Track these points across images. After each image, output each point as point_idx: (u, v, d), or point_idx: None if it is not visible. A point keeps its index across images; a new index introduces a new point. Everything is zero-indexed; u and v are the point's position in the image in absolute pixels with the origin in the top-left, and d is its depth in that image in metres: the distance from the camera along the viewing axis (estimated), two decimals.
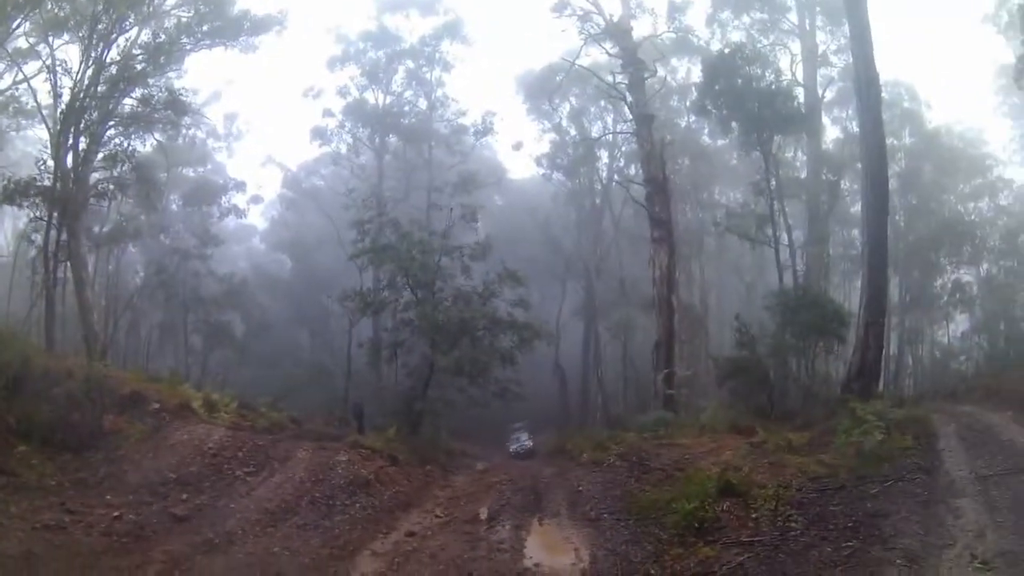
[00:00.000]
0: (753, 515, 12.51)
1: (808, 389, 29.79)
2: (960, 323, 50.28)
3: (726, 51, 38.99)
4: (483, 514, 15.78)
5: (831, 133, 49.73)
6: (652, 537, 12.83)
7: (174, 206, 53.46)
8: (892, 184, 47.87)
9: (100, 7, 35.07)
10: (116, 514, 13.03)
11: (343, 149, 57.32)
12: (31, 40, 36.28)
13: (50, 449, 15.43)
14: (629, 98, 39.99)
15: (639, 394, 43.22)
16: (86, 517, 12.64)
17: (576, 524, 14.62)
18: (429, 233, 36.83)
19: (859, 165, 33.60)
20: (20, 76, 38.26)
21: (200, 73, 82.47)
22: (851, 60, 33.22)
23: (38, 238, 35.16)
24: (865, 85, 28.47)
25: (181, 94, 40.09)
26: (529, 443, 40.59)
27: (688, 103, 52.12)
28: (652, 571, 11.33)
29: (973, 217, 51.36)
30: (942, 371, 46.35)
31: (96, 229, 42.09)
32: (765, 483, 13.95)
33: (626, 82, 39.62)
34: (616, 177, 55.72)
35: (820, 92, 44.75)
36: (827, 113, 48.24)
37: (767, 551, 11.11)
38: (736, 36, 46.74)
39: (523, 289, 36.73)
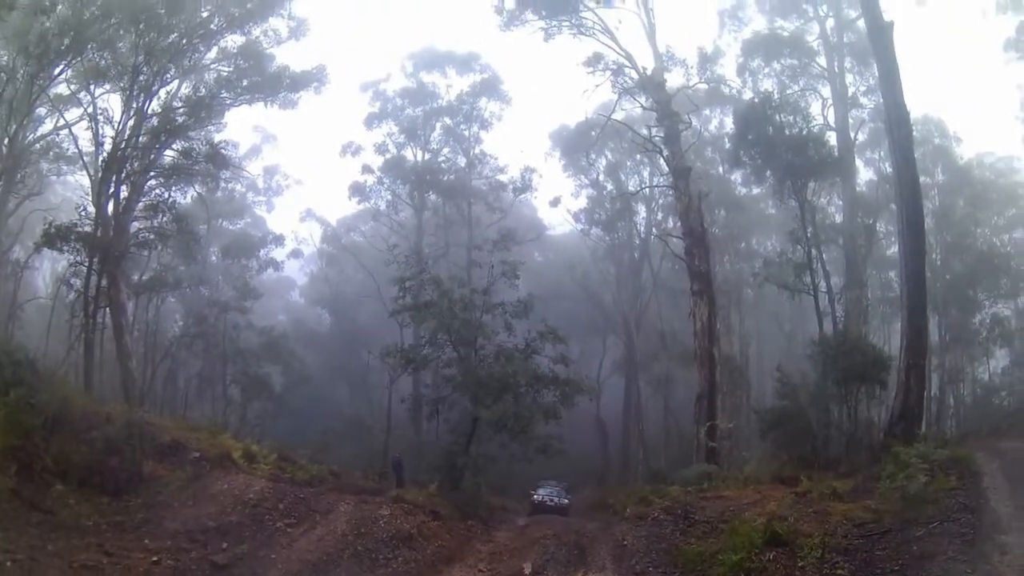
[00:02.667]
0: (800, 564, 12.50)
1: (851, 436, 29.33)
2: (1000, 358, 49.62)
3: (756, 101, 39.25)
4: (527, 569, 15.70)
5: (864, 175, 49.52)
6: None
7: (213, 257, 54.18)
8: (927, 223, 47.97)
9: (141, 59, 36.03)
10: (155, 559, 13.29)
11: (382, 205, 57.71)
12: (72, 87, 37.51)
13: (87, 490, 15.79)
14: (665, 151, 39.82)
15: (681, 448, 42.67)
16: (124, 560, 12.88)
17: None
18: (470, 291, 36.96)
19: (893, 206, 33.80)
20: (61, 122, 39.77)
21: (240, 126, 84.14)
22: (881, 100, 33.13)
23: (77, 282, 35.88)
24: (896, 125, 28.36)
25: (222, 148, 41.24)
26: (565, 499, 36.96)
27: (722, 154, 52.04)
28: None
29: (1008, 248, 51.03)
30: (984, 408, 45.33)
31: (136, 277, 42.67)
32: (811, 532, 13.88)
33: (661, 135, 39.63)
34: (654, 230, 55.96)
35: (852, 134, 44.34)
36: (860, 155, 47.88)
37: None
38: (767, 83, 47.21)
39: (564, 345, 36.72)
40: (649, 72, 40.44)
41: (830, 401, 30.28)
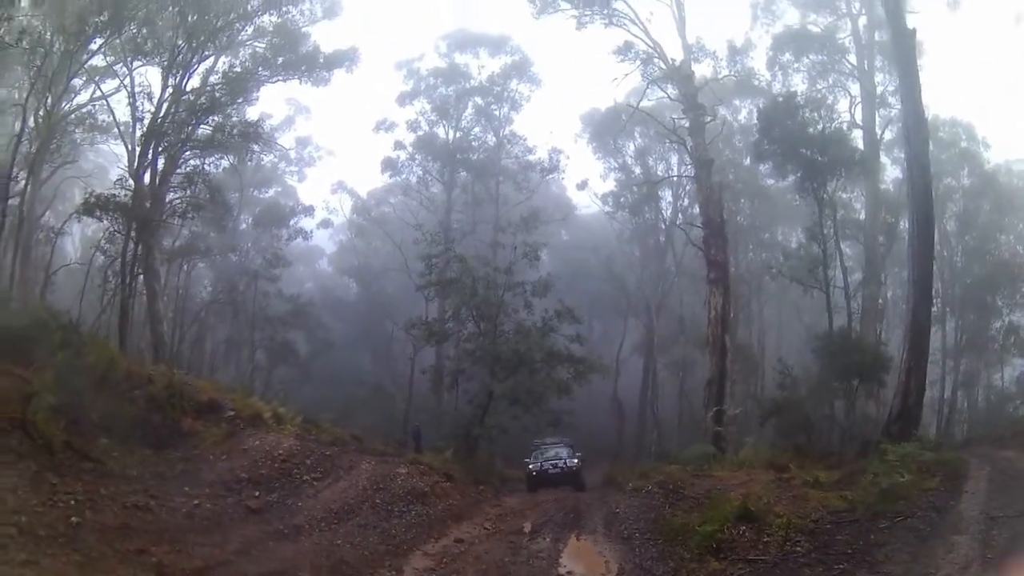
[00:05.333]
0: (765, 539, 13.61)
1: (847, 430, 30.32)
2: (1016, 367, 49.77)
3: (779, 99, 39.88)
4: (527, 527, 17.25)
5: (891, 173, 49.74)
6: (676, 555, 14.05)
7: (243, 225, 55.20)
8: (950, 225, 48.52)
9: (180, 40, 37.28)
10: (196, 502, 14.81)
11: (413, 180, 58.89)
12: (108, 60, 38.44)
13: (131, 444, 16.95)
14: (689, 142, 40.56)
15: (693, 430, 43.27)
16: (168, 503, 14.38)
17: (610, 541, 15.92)
18: (493, 269, 38.22)
19: None
20: (97, 93, 40.75)
21: (274, 99, 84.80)
22: None
23: (111, 248, 37.37)
24: (913, 130, 28.89)
25: (257, 126, 42.46)
26: (573, 460, 31.40)
27: (749, 144, 52.52)
28: None
29: None
30: (996, 415, 45.41)
31: (168, 244, 43.76)
32: (783, 513, 14.97)
33: (687, 126, 40.31)
34: (680, 216, 56.44)
35: (879, 132, 44.89)
36: (887, 154, 48.02)
37: (767, 568, 12.46)
38: (797, 78, 48.05)
39: (579, 324, 37.97)
40: (677, 64, 40.95)
41: (829, 395, 31.32)
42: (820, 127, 37.40)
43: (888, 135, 45.98)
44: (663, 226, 58.72)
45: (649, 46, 41.79)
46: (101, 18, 34.98)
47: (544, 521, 18.01)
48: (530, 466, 31.54)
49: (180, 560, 11.59)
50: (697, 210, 44.36)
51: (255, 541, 13.39)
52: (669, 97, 43.20)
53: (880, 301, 43.89)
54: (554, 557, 14.60)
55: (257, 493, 16.36)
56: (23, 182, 37.13)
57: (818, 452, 27.75)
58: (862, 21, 47.02)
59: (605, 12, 42.05)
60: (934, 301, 43.73)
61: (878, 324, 41.94)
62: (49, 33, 34.93)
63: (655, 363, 55.95)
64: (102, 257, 39.53)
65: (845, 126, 42.94)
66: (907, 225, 31.56)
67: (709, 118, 40.66)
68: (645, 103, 44.94)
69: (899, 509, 14.79)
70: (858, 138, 43.80)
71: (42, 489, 12.20)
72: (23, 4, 32.48)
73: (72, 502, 12.30)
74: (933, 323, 43.82)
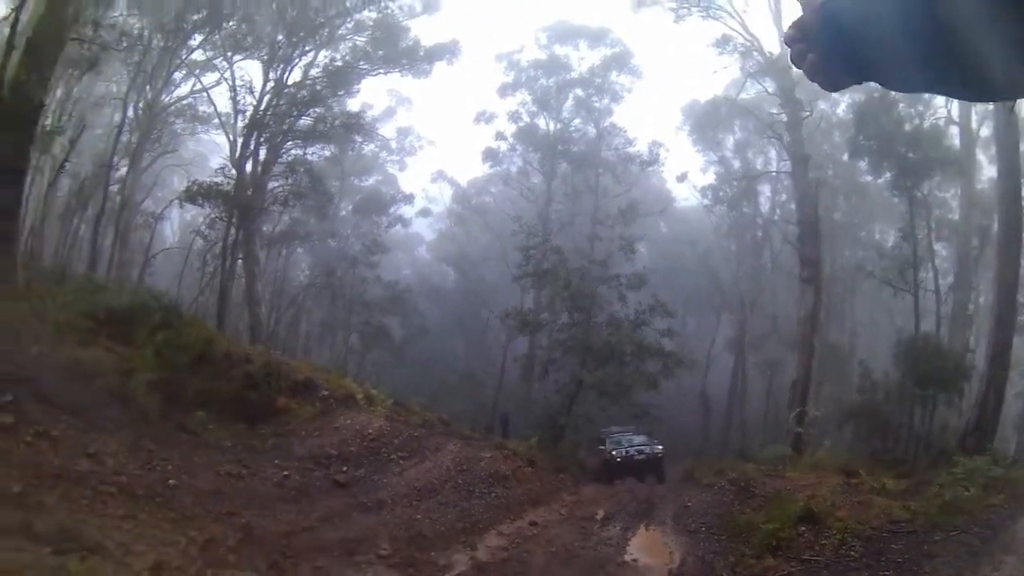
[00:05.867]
0: (823, 541, 14.15)
1: (924, 439, 30.02)
2: None
3: (875, 95, 39.32)
4: (599, 515, 18.16)
5: (988, 172, 46.73)
6: (737, 551, 14.74)
7: (343, 212, 56.62)
8: None
9: (280, 35, 38.74)
10: (285, 473, 16.11)
11: (513, 170, 59.66)
12: (208, 55, 39.97)
13: (225, 418, 18.28)
14: (786, 137, 40.38)
15: (777, 430, 42.99)
16: (259, 473, 15.66)
17: (677, 533, 16.78)
18: (589, 261, 38.78)
19: None
20: (198, 85, 42.05)
21: (375, 90, 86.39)
22: None
23: (210, 233, 39.16)
24: (1003, 129, 28.72)
25: (358, 117, 43.77)
26: (658, 447, 31.79)
27: (847, 139, 51.58)
28: (724, 574, 13.33)
29: None
30: None
31: (268, 228, 45.17)
32: (844, 517, 15.42)
33: (784, 120, 40.15)
34: (778, 211, 55.84)
35: (975, 129, 43.08)
36: (984, 152, 45.23)
37: (818, 568, 13.09)
38: None
39: (672, 319, 38.42)
40: (775, 56, 40.63)
41: (908, 401, 31.02)
42: (915, 123, 36.90)
43: (985, 131, 44.52)
44: (760, 221, 58.37)
45: (746, 39, 41.89)
46: (199, 16, 36.71)
47: (617, 510, 18.96)
48: (612, 452, 31.14)
49: (267, 523, 12.73)
50: (794, 206, 44.13)
51: (339, 511, 14.63)
52: (767, 91, 43.02)
53: (971, 307, 42.57)
54: (622, 545, 15.47)
55: (345, 468, 17.56)
56: (124, 169, 38.91)
57: (892, 459, 27.68)
58: None
59: (702, 4, 42.22)
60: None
61: (967, 330, 40.58)
62: (147, 31, 36.41)
63: (745, 361, 55.46)
64: (201, 241, 41.32)
65: (942, 122, 42.03)
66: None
67: (806, 113, 40.38)
68: (744, 96, 45.46)
69: (957, 523, 14.99)
70: (955, 135, 42.76)
71: (140, 455, 13.41)
72: (121, 3, 33.75)
73: (169, 467, 13.51)
74: (1022, 332, 42.72)
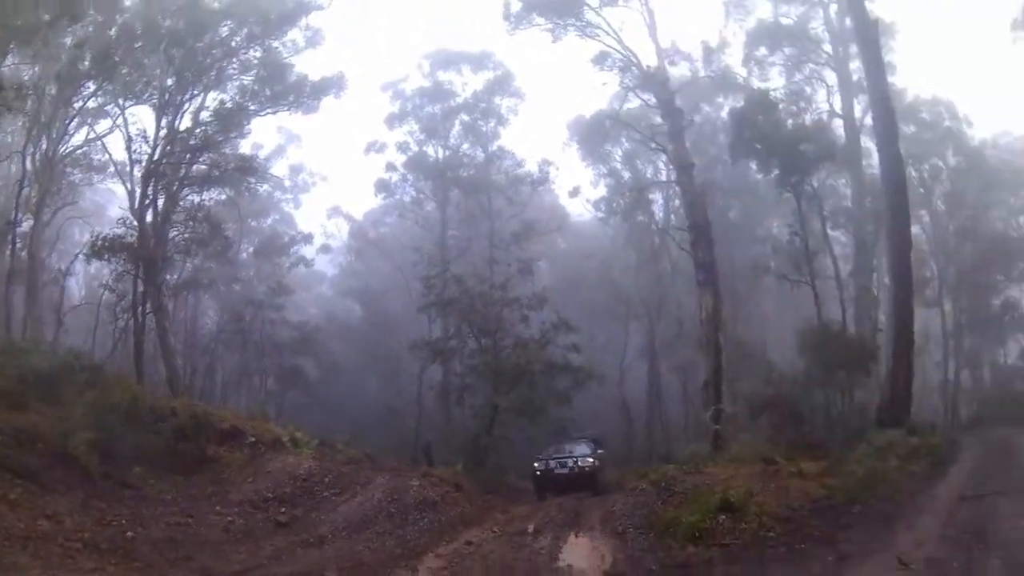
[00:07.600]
0: (742, 526, 15.05)
1: (837, 421, 31.20)
2: (1021, 341, 50.82)
3: (752, 99, 40.71)
4: (530, 528, 18.75)
5: (875, 158, 48.15)
6: (664, 545, 15.46)
7: (244, 255, 55.37)
8: (939, 206, 48.92)
9: (169, 81, 38.55)
10: (229, 519, 16.81)
11: (407, 200, 59.23)
12: (100, 102, 39.27)
13: (162, 471, 19.06)
14: (669, 147, 41.09)
15: (697, 431, 43.30)
16: (204, 520, 16.41)
17: (605, 536, 17.35)
18: (489, 287, 39.47)
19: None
20: (92, 134, 41.35)
21: (264, 128, 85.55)
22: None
23: (118, 287, 38.35)
24: (882, 121, 30.20)
25: (251, 160, 43.72)
26: (588, 460, 29.57)
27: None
28: (652, 567, 14.13)
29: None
30: (1006, 393, 45.86)
31: (172, 278, 43.91)
32: (763, 503, 16.32)
33: (666, 130, 40.68)
34: (672, 218, 56.62)
35: (859, 119, 45.05)
36: (870, 139, 45.61)
37: (737, 549, 14.00)
38: (774, 72, 48.52)
39: (576, 335, 39.16)
40: (652, 70, 41.55)
41: (814, 387, 32.26)
42: (795, 121, 38.60)
43: (869, 120, 45.96)
44: (655, 229, 58.56)
45: (623, 54, 42.47)
46: (86, 64, 36.36)
47: (546, 522, 19.54)
48: (535, 464, 29.70)
49: (222, 565, 13.57)
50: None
51: (284, 549, 15.42)
52: (647, 104, 43.70)
53: (876, 288, 44.38)
54: (554, 553, 16.01)
55: (283, 509, 18.28)
56: (25, 224, 38.11)
57: (808, 444, 27.91)
58: (833, 8, 47.45)
59: (578, 24, 42.75)
60: (930, 283, 44.43)
61: (874, 311, 42.32)
62: (40, 80, 36.05)
63: (659, 366, 55.84)
64: (108, 295, 40.32)
65: (825, 116, 43.87)
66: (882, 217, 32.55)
67: (688, 120, 41.34)
68: (629, 106, 46.15)
69: (877, 494, 16.08)
70: (839, 127, 44.77)
71: (93, 512, 14.23)
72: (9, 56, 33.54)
73: (123, 521, 14.33)
74: (931, 305, 44.31)
